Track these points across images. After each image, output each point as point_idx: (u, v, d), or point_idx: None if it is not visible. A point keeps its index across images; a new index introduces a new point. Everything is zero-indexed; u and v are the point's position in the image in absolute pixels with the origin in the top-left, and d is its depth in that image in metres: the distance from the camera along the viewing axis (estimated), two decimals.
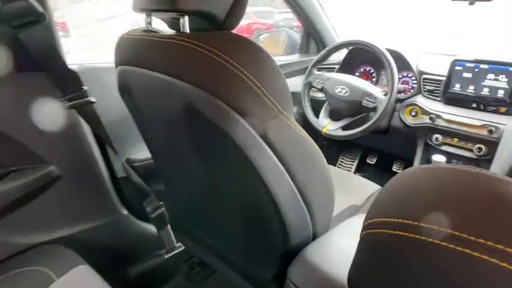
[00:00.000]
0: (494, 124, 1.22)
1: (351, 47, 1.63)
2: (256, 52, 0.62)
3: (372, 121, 1.32)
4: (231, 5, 0.67)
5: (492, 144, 1.24)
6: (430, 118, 1.37)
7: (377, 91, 1.36)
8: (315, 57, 1.53)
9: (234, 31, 0.69)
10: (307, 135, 0.69)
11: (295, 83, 1.74)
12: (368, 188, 1.25)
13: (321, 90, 1.49)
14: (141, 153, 1.28)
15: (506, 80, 1.22)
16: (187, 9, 0.64)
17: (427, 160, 1.46)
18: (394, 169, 2.00)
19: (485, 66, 1.26)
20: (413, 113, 1.44)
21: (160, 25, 0.79)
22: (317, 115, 1.53)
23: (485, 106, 1.28)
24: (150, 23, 0.77)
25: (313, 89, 1.53)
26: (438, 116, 1.36)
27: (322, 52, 1.51)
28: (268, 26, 8.05)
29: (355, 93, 1.37)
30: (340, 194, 0.88)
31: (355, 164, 2.11)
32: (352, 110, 1.41)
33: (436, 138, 1.38)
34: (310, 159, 0.71)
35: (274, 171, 0.64)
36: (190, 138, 0.72)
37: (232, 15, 0.68)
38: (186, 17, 0.68)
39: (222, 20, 0.68)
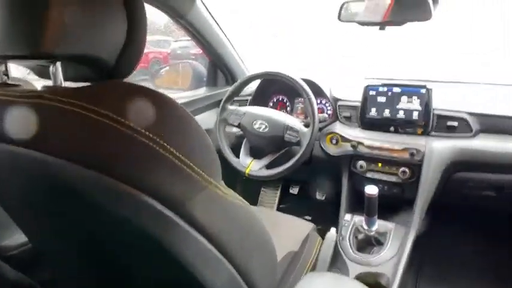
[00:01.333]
0: (415, 146, 1.22)
1: (265, 78, 1.52)
2: (165, 107, 0.42)
3: (298, 156, 1.21)
4: (122, 47, 0.47)
5: (415, 167, 1.22)
6: (352, 146, 1.32)
7: (298, 123, 1.25)
8: (227, 91, 1.38)
9: None
10: (242, 200, 0.53)
11: (206, 119, 1.56)
12: (301, 228, 1.14)
13: (238, 126, 1.33)
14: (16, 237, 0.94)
15: (419, 101, 1.24)
16: (60, 54, 0.43)
17: (354, 188, 1.40)
18: (317, 197, 1.94)
19: (398, 90, 1.27)
20: (334, 141, 1.38)
21: None
22: (235, 152, 1.36)
23: (403, 129, 1.28)
24: (6, 75, 0.53)
25: (229, 126, 1.37)
26: (360, 143, 1.31)
27: (235, 85, 1.36)
28: (165, 55, 7.77)
29: (275, 127, 1.24)
30: (274, 242, 0.75)
31: (277, 197, 2.00)
32: (274, 145, 1.28)
33: (361, 166, 1.32)
34: (249, 231, 0.56)
35: (207, 259, 0.46)
36: (77, 226, 0.50)
37: (124, 59, 0.48)
38: (59, 64, 0.46)
39: (111, 67, 0.47)
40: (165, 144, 0.38)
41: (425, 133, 1.24)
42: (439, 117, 1.23)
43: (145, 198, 0.37)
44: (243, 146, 1.34)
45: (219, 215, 0.47)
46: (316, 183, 1.91)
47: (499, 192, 1.23)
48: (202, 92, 1.67)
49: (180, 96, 1.55)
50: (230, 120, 1.34)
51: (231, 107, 1.37)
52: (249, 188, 1.97)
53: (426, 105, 1.23)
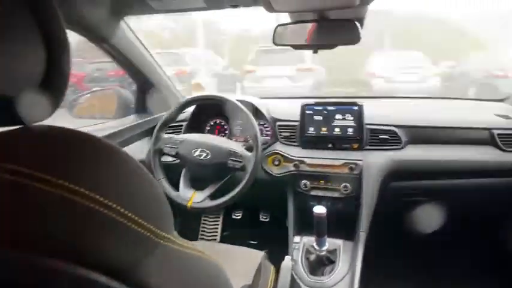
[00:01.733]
0: (353, 161, 1.25)
1: (202, 102, 1.45)
2: (100, 152, 0.34)
3: (244, 182, 1.16)
4: (41, 82, 0.36)
5: (355, 181, 1.26)
6: (295, 165, 1.31)
7: (240, 147, 1.21)
8: (160, 119, 1.28)
9: None
10: (200, 250, 0.46)
11: (137, 150, 1.43)
12: (252, 258, 1.10)
13: (175, 156, 1.24)
14: None
15: (352, 118, 1.29)
16: None
17: (300, 208, 1.39)
18: (261, 219, 1.90)
19: (333, 108, 1.30)
20: (277, 162, 1.36)
21: None
22: (173, 184, 1.26)
23: (340, 145, 1.31)
24: None
25: (165, 156, 1.27)
26: (302, 162, 1.31)
27: (170, 112, 1.28)
28: (79, 78, 7.23)
29: (218, 154, 1.18)
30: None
31: (220, 225, 1.92)
32: (217, 173, 1.21)
33: (304, 184, 1.32)
34: (213, 282, 0.49)
35: None
36: None
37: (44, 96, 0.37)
38: None
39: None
40: (105, 200, 0.30)
41: (361, 147, 1.29)
42: (372, 131, 1.30)
43: (83, 273, 0.28)
44: (182, 177, 1.25)
45: (176, 273, 0.39)
46: (258, 205, 1.88)
47: (430, 197, 1.33)
48: (130, 120, 1.53)
49: (106, 126, 1.40)
50: (166, 150, 1.24)
51: (165, 136, 1.28)
52: (189, 219, 1.86)
53: (359, 121, 1.28)
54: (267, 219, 1.90)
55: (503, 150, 1.22)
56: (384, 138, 1.28)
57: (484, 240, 1.54)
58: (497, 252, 1.52)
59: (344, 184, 1.27)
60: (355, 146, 1.29)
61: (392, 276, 1.46)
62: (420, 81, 6.38)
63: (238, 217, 1.92)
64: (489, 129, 1.25)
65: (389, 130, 1.28)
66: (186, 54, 7.78)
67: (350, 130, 1.29)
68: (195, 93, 1.35)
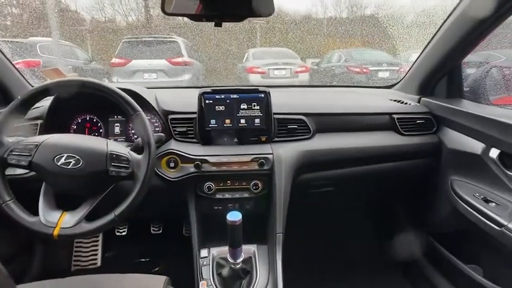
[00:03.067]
0: (262, 155, 1.11)
1: (61, 92, 1.06)
2: None
3: (135, 194, 0.88)
4: None
5: (266, 177, 1.12)
6: (196, 166, 1.10)
7: (123, 148, 0.92)
8: (1, 116, 0.88)
9: None
10: None
11: None
12: (152, 284, 0.87)
13: (28, 167, 0.86)
14: None
15: (259, 107, 1.14)
16: None
17: (204, 215, 1.18)
18: (153, 231, 1.62)
19: (236, 96, 1.13)
20: (172, 164, 1.12)
21: None
22: (28, 206, 0.88)
23: (247, 138, 1.16)
24: None
25: (11, 168, 0.88)
26: (204, 161, 1.11)
27: (13, 106, 0.88)
28: None
29: (93, 160, 0.87)
30: None
31: (100, 246, 1.57)
32: (94, 186, 0.90)
33: (208, 187, 1.12)
34: None
35: None
36: None
37: None
38: None
39: None
40: None
41: (270, 140, 1.16)
42: (279, 121, 1.18)
43: None
44: (41, 196, 0.88)
45: None
46: (148, 216, 1.59)
47: (336, 187, 1.30)
48: None
49: None
50: (12, 159, 0.85)
51: (9, 139, 0.88)
52: (56, 245, 1.45)
53: (266, 110, 1.15)
54: (159, 231, 1.63)
55: (402, 134, 1.28)
56: (292, 128, 1.18)
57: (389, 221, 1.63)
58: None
59: (254, 182, 1.12)
60: (264, 138, 1.16)
61: (312, 273, 1.41)
62: (292, 76, 6.85)
63: (123, 233, 1.60)
64: (389, 113, 1.28)
65: (298, 119, 1.19)
66: (37, 44, 6.53)
67: (257, 121, 1.15)
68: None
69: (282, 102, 1.23)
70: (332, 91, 1.73)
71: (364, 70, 6.33)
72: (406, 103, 1.37)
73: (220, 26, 0.87)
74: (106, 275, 0.89)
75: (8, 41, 6.28)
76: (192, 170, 1.10)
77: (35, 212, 0.87)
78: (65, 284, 0.85)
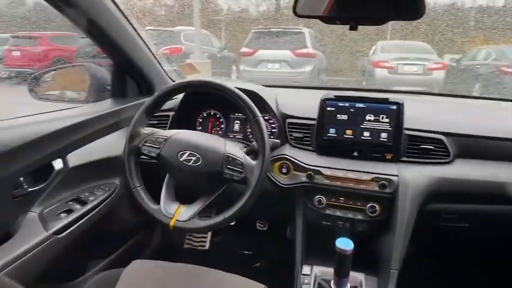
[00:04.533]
0: (385, 176, 0.98)
1: (190, 91, 1.14)
2: None
3: (244, 200, 0.87)
4: None
5: (386, 201, 0.99)
6: (308, 176, 1.04)
7: (240, 152, 0.92)
8: (140, 108, 0.97)
9: None
10: None
11: (111, 144, 1.14)
12: None
13: (157, 158, 0.94)
14: None
15: (388, 120, 1.00)
16: None
17: (311, 228, 1.11)
18: (258, 227, 1.64)
19: (362, 105, 1.02)
20: (285, 170, 1.09)
21: None
22: (153, 193, 0.96)
23: (370, 153, 1.03)
24: None
25: (143, 157, 0.97)
26: (317, 172, 1.03)
27: (153, 99, 0.97)
28: (71, 52, 6.78)
29: (211, 160, 0.89)
30: None
31: (210, 232, 1.66)
32: (209, 185, 0.93)
33: (319, 201, 1.05)
34: None
35: None
36: None
37: None
38: None
39: None
40: None
41: (396, 159, 1.01)
42: (411, 138, 1.02)
43: None
44: (164, 186, 0.96)
45: None
46: (255, 212, 1.61)
47: (473, 224, 1.07)
48: (105, 106, 1.22)
49: (73, 114, 1.10)
50: (145, 149, 0.94)
51: (145, 131, 0.98)
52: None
53: (397, 125, 1.00)
54: (265, 228, 1.64)
55: None
56: (426, 148, 1.00)
57: None
58: None
59: (371, 204, 1.00)
60: (389, 156, 1.02)
61: None
62: (424, 73, 6.10)
63: (232, 223, 1.66)
64: None
65: (435, 139, 1.01)
66: (182, 33, 7.42)
67: (383, 135, 1.01)
68: (188, 76, 1.04)
69: (415, 114, 1.06)
70: (478, 104, 1.42)
71: None
72: None
73: (356, 29, 0.77)
74: (210, 270, 0.91)
75: (161, 30, 7.30)
76: (304, 179, 1.05)
77: (154, 196, 0.95)
78: (174, 269, 0.90)
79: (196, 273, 0.90)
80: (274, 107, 1.15)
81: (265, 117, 1.21)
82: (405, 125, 1.00)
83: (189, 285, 0.86)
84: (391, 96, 1.03)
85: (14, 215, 0.88)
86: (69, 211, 0.98)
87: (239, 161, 0.88)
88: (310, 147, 1.10)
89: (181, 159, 0.90)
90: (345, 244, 0.81)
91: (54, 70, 1.33)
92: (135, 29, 1.17)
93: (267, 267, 1.55)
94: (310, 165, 1.05)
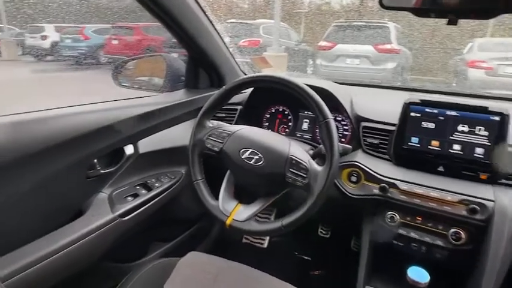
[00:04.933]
0: (477, 200, 0.82)
1: (259, 86, 1.09)
2: None
3: (306, 208, 0.80)
4: None
5: (476, 229, 0.83)
6: (381, 188, 0.92)
7: (306, 155, 0.85)
8: (208, 101, 0.96)
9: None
10: None
11: (181, 133, 1.16)
12: None
13: (219, 153, 0.92)
14: None
15: (487, 133, 0.84)
16: None
17: (379, 245, 1.00)
18: (320, 233, 1.55)
19: (455, 113, 0.87)
20: (354, 179, 0.99)
21: None
22: (212, 186, 0.95)
23: (459, 170, 0.88)
24: None
25: (206, 150, 0.95)
26: (392, 185, 0.91)
27: (219, 93, 0.95)
28: (160, 42, 7.34)
29: (273, 161, 0.84)
30: None
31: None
32: (269, 187, 0.88)
33: (391, 217, 0.93)
34: None
35: None
36: None
37: None
38: None
39: None
40: None
41: (493, 180, 0.85)
42: None
43: None
44: (224, 182, 0.93)
45: None
46: (319, 217, 1.53)
47: None
48: (178, 96, 1.25)
49: (148, 102, 1.14)
50: (208, 143, 0.93)
51: (211, 124, 0.96)
52: None
53: (499, 139, 0.83)
54: (327, 235, 1.54)
55: None
56: None
57: None
58: None
59: (455, 230, 0.85)
60: (484, 176, 0.85)
61: None
62: None
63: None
64: None
65: None
66: (261, 25, 7.51)
67: (479, 151, 0.85)
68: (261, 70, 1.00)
69: None
70: None
71: None
72: None
73: (455, 24, 0.64)
74: (264, 275, 0.87)
75: (242, 23, 7.46)
76: (376, 191, 0.94)
77: (215, 190, 0.93)
78: (228, 267, 0.88)
79: (249, 275, 0.87)
80: (348, 108, 1.05)
81: (337, 118, 1.12)
82: (510, 141, 0.83)
83: (240, 286, 0.83)
84: (492, 105, 0.86)
85: (87, 194, 0.94)
86: (135, 195, 1.02)
87: (303, 165, 0.81)
88: (386, 156, 0.99)
89: (242, 157, 0.86)
90: (419, 275, 0.69)
91: (135, 59, 1.40)
92: (211, 22, 1.17)
93: (325, 277, 1.46)
94: (385, 177, 0.93)
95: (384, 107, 1.04)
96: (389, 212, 0.93)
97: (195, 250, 0.92)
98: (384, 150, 0.99)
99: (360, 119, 1.03)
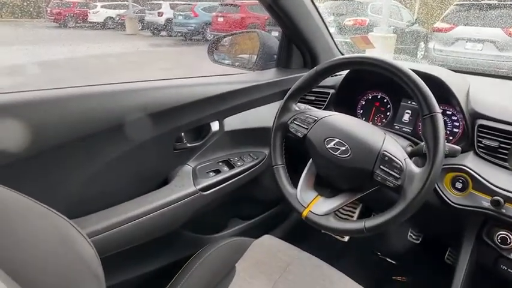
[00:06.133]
0: None
1: (355, 68, 0.98)
2: None
3: (395, 214, 0.69)
4: None
5: None
6: (494, 202, 0.75)
7: (401, 152, 0.73)
8: (296, 83, 0.90)
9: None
10: None
11: (268, 114, 1.12)
12: None
13: (302, 139, 0.86)
14: None
15: None
16: None
17: (481, 266, 0.84)
18: (410, 238, 1.39)
19: None
20: (460, 185, 0.83)
21: None
22: (295, 174, 0.90)
23: None
24: None
25: (290, 135, 0.91)
26: (508, 200, 0.74)
27: (307, 75, 0.88)
28: (263, 20, 7.43)
29: (362, 155, 0.75)
30: None
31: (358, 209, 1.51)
32: (354, 183, 0.79)
33: (503, 239, 0.76)
34: None
35: None
36: None
37: None
38: None
39: None
40: None
41: None
42: None
43: None
44: (305, 171, 0.87)
45: None
46: (410, 219, 1.37)
47: None
48: (268, 75, 1.22)
49: (238, 79, 1.14)
50: (292, 128, 0.87)
51: (297, 107, 0.90)
52: None
53: None
54: (417, 241, 1.38)
55: None
56: None
57: None
58: None
59: None
60: None
61: None
62: None
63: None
64: None
65: None
66: (370, 4, 6.97)
67: None
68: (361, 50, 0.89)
69: None
70: None
71: None
72: None
73: None
74: (337, 273, 0.81)
75: (349, 0, 7.03)
76: (486, 204, 0.77)
77: (294, 177, 0.88)
78: (300, 257, 0.85)
79: (322, 271, 0.82)
80: (462, 101, 0.87)
81: (447, 112, 0.95)
82: None
83: (308, 280, 0.78)
84: None
85: (172, 165, 0.98)
86: (218, 171, 1.03)
87: (397, 163, 0.70)
88: (505, 163, 0.80)
89: (327, 146, 0.79)
90: None
91: (230, 35, 1.40)
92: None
93: (410, 286, 1.32)
94: (500, 188, 0.76)
95: (510, 104, 0.85)
96: (501, 232, 0.77)
97: (271, 233, 0.90)
98: (504, 156, 0.80)
99: (476, 115, 0.85)
